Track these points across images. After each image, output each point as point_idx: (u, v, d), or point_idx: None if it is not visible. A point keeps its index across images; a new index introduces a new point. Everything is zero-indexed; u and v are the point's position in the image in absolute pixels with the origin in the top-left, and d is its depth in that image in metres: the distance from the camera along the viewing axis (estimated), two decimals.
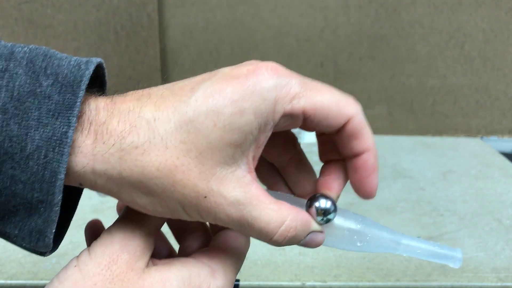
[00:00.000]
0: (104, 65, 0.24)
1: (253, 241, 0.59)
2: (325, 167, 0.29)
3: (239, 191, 0.24)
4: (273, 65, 0.25)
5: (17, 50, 0.23)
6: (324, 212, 0.27)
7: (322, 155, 0.29)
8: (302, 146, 0.56)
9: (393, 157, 0.77)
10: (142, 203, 0.24)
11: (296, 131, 0.30)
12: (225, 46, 0.81)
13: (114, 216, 0.65)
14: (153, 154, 0.23)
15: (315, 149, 0.54)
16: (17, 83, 0.22)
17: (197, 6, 0.79)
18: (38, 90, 0.22)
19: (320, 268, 0.50)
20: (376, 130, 0.86)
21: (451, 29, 0.81)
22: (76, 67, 0.23)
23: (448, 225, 0.58)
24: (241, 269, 0.50)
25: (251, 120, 0.24)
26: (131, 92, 0.25)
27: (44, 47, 0.24)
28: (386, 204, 0.63)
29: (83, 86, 0.23)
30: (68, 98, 0.22)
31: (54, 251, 0.25)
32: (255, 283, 0.47)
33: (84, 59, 0.24)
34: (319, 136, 0.29)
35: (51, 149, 0.22)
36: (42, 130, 0.22)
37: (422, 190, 0.67)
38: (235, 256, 0.28)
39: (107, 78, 0.25)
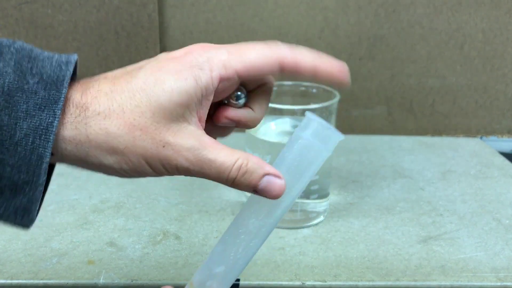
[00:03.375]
0: (77, 61, 0.29)
1: None
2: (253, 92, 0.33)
3: (193, 140, 0.28)
4: (203, 44, 0.30)
5: (5, 50, 0.26)
6: (237, 96, 0.32)
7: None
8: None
9: (392, 157, 0.77)
10: (108, 163, 0.28)
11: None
12: None
13: (115, 216, 0.65)
14: (113, 118, 0.27)
15: None
16: (7, 80, 0.25)
17: (197, 6, 0.79)
18: (26, 86, 0.25)
19: (320, 268, 0.50)
20: (376, 130, 0.86)
21: (451, 30, 0.81)
22: (58, 68, 0.27)
23: (448, 224, 0.58)
24: None
25: (193, 85, 0.28)
26: (92, 77, 0.29)
27: (28, 46, 0.27)
28: (386, 204, 0.63)
29: (66, 84, 0.26)
30: (53, 94, 0.26)
31: (33, 224, 0.29)
32: (255, 282, 0.48)
33: (64, 59, 0.28)
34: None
35: (38, 137, 0.25)
36: (30, 120, 0.25)
37: (421, 190, 0.67)
38: None
39: (77, 69, 0.30)
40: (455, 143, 0.84)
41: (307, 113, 0.31)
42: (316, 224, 0.58)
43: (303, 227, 0.57)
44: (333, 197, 0.64)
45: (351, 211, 0.61)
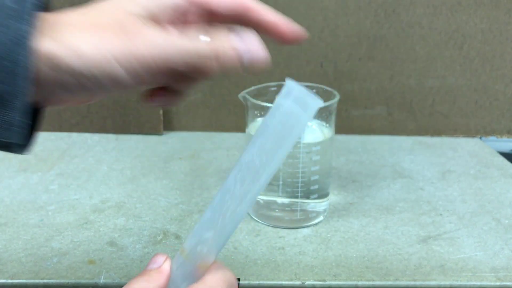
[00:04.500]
0: None
1: (253, 241, 0.59)
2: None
3: (162, 33, 0.29)
4: None
5: None
6: None
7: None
8: (302, 146, 0.56)
9: (392, 157, 0.78)
10: (79, 69, 0.27)
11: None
12: None
13: (115, 216, 0.65)
14: (82, 26, 0.28)
15: (315, 149, 0.55)
16: None
17: None
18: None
19: (319, 268, 0.50)
20: (376, 130, 0.87)
21: (450, 30, 0.81)
22: None
23: (447, 224, 0.59)
24: (241, 269, 0.50)
25: None
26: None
27: None
28: (386, 204, 0.63)
29: None
30: (21, 5, 0.26)
31: (26, 150, 0.29)
32: (255, 282, 0.48)
33: None
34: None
35: (15, 45, 0.25)
36: (5, 30, 0.25)
37: (421, 190, 0.67)
38: None
39: None
40: (455, 143, 0.84)
41: (287, 81, 0.32)
42: (316, 224, 0.58)
43: (303, 227, 0.57)
44: (333, 197, 0.64)
45: (351, 211, 0.61)
